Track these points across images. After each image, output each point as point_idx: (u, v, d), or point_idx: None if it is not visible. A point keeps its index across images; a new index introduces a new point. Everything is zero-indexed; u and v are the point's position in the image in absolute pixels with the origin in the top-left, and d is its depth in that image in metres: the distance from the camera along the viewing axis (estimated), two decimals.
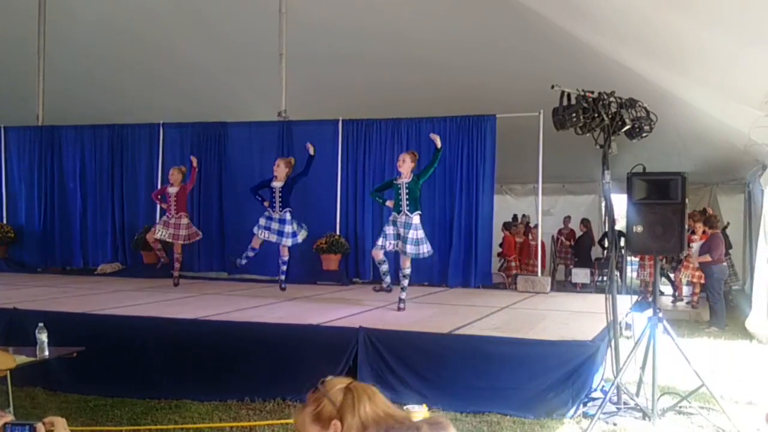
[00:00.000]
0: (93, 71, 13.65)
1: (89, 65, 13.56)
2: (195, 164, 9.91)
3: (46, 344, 5.07)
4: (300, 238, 8.89)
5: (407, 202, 7.69)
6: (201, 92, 13.47)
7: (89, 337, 6.11)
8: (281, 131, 11.28)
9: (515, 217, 16.20)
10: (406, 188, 7.71)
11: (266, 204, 8.69)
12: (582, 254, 15.36)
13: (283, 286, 8.99)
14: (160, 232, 9.73)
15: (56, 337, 5.27)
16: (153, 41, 12.83)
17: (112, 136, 12.24)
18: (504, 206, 17.45)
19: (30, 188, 12.60)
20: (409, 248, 7.63)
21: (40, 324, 5.13)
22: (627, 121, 5.86)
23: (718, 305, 10.70)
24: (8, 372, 4.73)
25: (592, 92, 5.79)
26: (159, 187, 11.10)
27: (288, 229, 8.62)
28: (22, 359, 4.85)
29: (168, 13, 12.30)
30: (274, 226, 8.60)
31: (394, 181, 7.90)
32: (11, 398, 4.82)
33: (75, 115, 12.72)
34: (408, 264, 7.88)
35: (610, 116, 5.78)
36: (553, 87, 5.82)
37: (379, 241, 7.81)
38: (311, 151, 8.66)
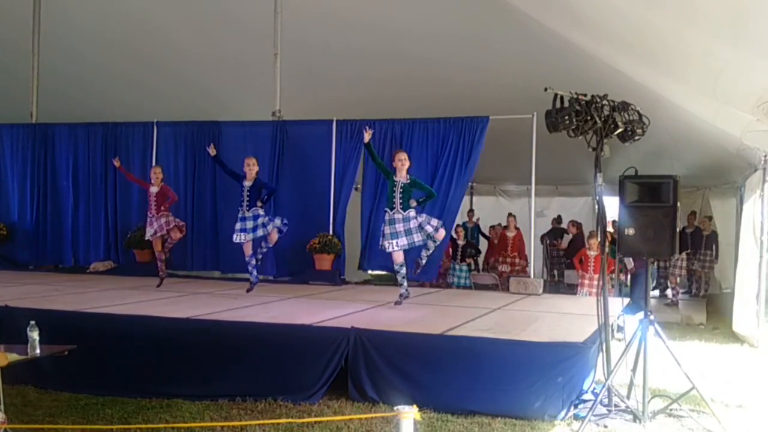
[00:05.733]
0: (87, 65, 13.56)
1: (83, 60, 13.48)
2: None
3: (37, 342, 5.05)
4: (279, 222, 9.02)
5: (401, 201, 7.95)
6: (195, 91, 13.43)
7: (81, 336, 6.10)
8: (275, 131, 11.28)
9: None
10: (401, 188, 7.96)
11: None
12: (573, 256, 15.33)
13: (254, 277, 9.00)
14: (148, 233, 9.81)
15: (48, 335, 5.25)
16: (147, 40, 12.80)
17: (106, 134, 12.20)
18: (497, 207, 17.54)
19: (23, 186, 12.57)
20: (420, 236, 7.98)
21: (32, 322, 5.11)
22: (620, 124, 5.88)
23: None
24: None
25: (585, 95, 5.80)
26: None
27: (263, 220, 8.76)
28: (13, 357, 4.83)
29: (162, 11, 12.27)
30: (249, 225, 8.72)
31: (393, 177, 8.00)
32: (2, 396, 4.80)
33: (69, 114, 12.70)
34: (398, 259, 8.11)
35: (602, 119, 5.80)
36: (546, 89, 5.83)
37: (402, 241, 7.94)
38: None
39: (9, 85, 13.38)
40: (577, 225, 15.00)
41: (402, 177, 8.00)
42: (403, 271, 8.09)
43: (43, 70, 12.58)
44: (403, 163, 8.03)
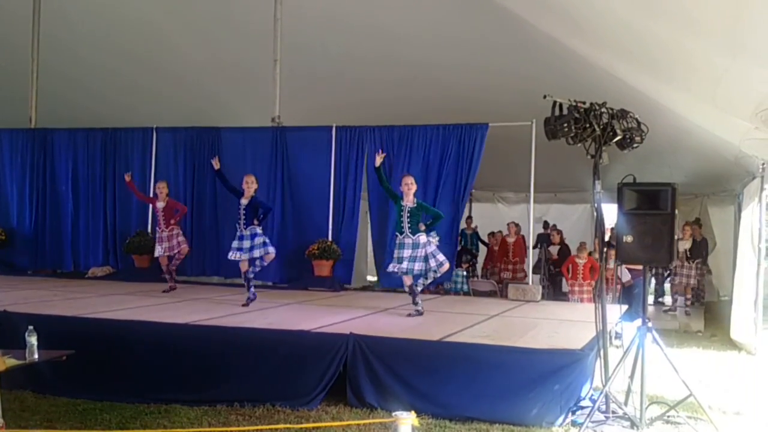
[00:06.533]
0: (87, 68, 13.59)
1: (83, 63, 13.51)
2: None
3: (35, 347, 5.06)
4: (270, 250, 8.61)
5: (409, 225, 7.95)
6: (195, 95, 13.45)
7: (79, 341, 6.08)
8: (275, 137, 11.29)
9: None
10: (408, 212, 7.99)
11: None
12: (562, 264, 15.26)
13: (251, 292, 8.71)
14: (157, 251, 9.76)
15: (46, 341, 5.26)
16: (147, 47, 12.83)
17: (105, 140, 12.24)
18: (496, 214, 17.53)
19: (22, 190, 12.59)
20: (432, 263, 7.96)
21: (30, 327, 5.12)
22: (618, 131, 5.89)
23: None
24: None
25: (584, 102, 5.82)
26: (151, 192, 11.12)
27: (261, 240, 8.50)
28: (11, 362, 4.84)
29: (162, 18, 12.30)
30: (246, 244, 8.44)
31: (401, 201, 8.05)
32: (0, 402, 4.80)
33: (68, 117, 12.71)
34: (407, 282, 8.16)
35: (601, 127, 5.82)
36: (545, 97, 5.85)
37: (404, 265, 7.93)
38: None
39: (8, 88, 13.40)
40: (560, 233, 14.91)
41: (409, 201, 8.02)
42: (415, 291, 8.14)
43: (43, 73, 12.62)
44: (410, 187, 8.05)
